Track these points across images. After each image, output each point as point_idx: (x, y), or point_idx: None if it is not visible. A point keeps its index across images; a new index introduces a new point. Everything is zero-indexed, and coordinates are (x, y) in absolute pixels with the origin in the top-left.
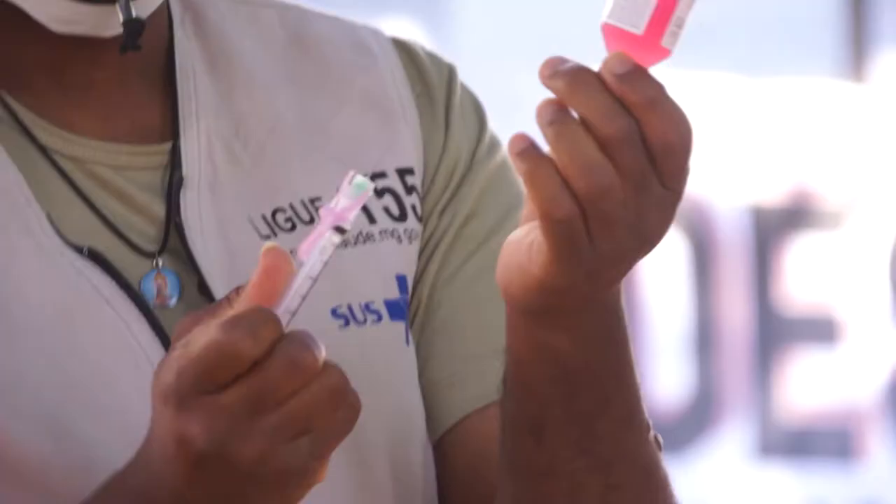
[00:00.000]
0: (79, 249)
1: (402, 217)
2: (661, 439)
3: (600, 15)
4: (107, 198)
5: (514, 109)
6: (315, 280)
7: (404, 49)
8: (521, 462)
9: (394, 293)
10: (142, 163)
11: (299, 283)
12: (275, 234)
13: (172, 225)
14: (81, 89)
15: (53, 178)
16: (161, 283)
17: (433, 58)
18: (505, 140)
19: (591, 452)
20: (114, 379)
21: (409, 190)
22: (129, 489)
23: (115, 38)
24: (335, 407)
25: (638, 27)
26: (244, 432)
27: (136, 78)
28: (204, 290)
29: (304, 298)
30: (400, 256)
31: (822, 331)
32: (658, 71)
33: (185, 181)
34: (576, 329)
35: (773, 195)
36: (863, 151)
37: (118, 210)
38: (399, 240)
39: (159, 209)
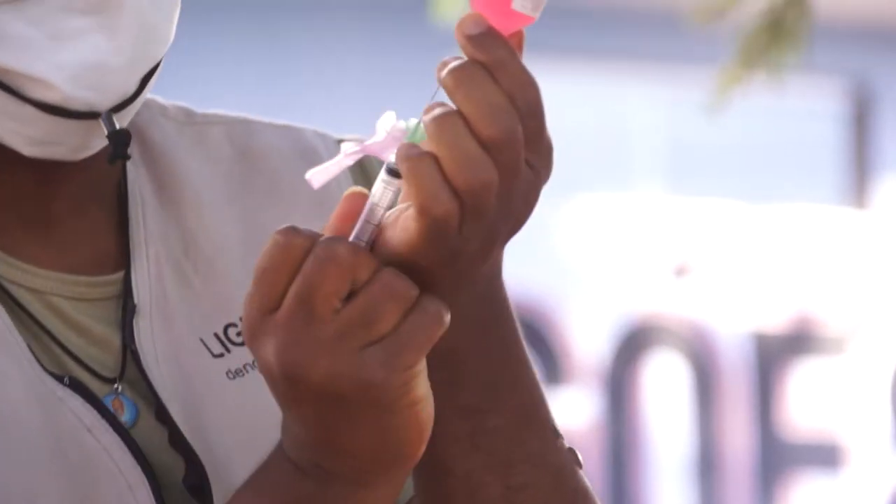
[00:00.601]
0: (59, 378)
1: None
2: (579, 455)
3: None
4: (65, 330)
5: None
6: (385, 208)
7: None
8: (420, 461)
9: None
10: (98, 293)
11: (367, 212)
12: (228, 351)
13: (128, 353)
14: (40, 223)
15: (16, 309)
16: (118, 409)
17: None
18: None
19: (485, 450)
20: None
21: None
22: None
23: (77, 165)
24: (397, 307)
25: None
26: (305, 345)
27: (91, 207)
28: (162, 414)
29: (374, 225)
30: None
31: (824, 456)
32: (660, 198)
33: (138, 309)
34: None
35: (775, 321)
36: (865, 278)
37: (77, 342)
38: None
39: (116, 338)
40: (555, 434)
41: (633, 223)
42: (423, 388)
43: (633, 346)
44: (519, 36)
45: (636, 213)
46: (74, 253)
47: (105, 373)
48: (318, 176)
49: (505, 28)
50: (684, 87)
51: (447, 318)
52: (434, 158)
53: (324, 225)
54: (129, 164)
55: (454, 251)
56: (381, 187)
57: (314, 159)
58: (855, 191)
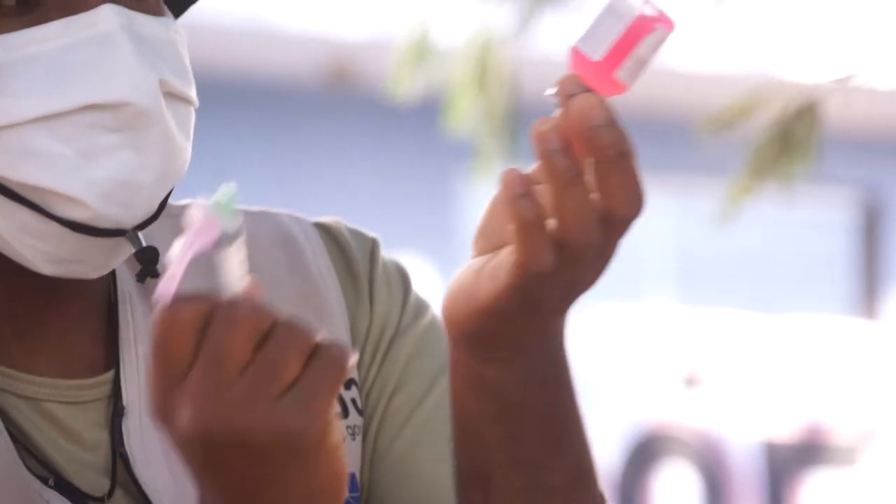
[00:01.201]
0: (44, 480)
1: (344, 413)
2: None
3: None
4: (59, 437)
5: None
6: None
7: (328, 232)
8: None
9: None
10: (90, 395)
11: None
12: None
13: (119, 456)
14: (35, 331)
15: (7, 416)
16: None
17: (355, 234)
18: None
19: None
20: None
21: (348, 384)
22: None
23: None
24: (300, 354)
25: (597, 53)
26: (220, 405)
27: (83, 310)
28: None
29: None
30: (346, 455)
31: None
32: (671, 308)
33: (126, 410)
34: (512, 362)
35: (786, 431)
36: (875, 388)
37: (70, 449)
38: (343, 438)
39: (106, 442)
40: (602, 499)
41: (643, 332)
42: (337, 435)
43: (644, 455)
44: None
45: (646, 323)
46: (67, 357)
47: (97, 478)
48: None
49: (601, 93)
50: (694, 198)
51: (350, 360)
52: (543, 215)
53: (311, 316)
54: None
55: (536, 305)
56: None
57: (292, 246)
58: (865, 301)
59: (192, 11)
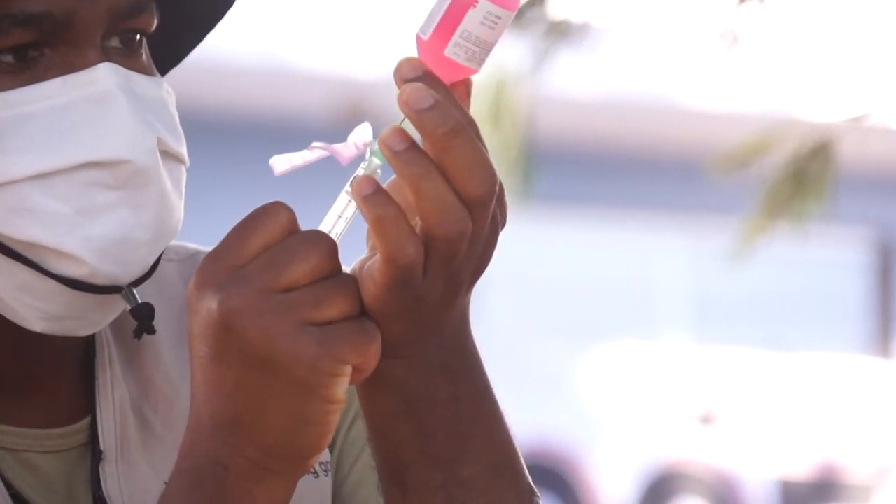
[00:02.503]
0: None
1: None
2: None
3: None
4: (39, 486)
5: (531, 377)
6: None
7: None
8: None
9: None
10: (69, 443)
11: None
12: None
13: (98, 501)
14: (21, 387)
15: None
16: None
17: None
18: None
19: (458, 501)
20: None
21: None
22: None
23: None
24: (346, 306)
25: (426, 34)
26: (254, 303)
27: (64, 360)
28: None
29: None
30: (317, 491)
31: None
32: (685, 346)
33: (104, 455)
34: (411, 358)
35: (800, 469)
36: (890, 425)
37: (51, 497)
38: (315, 474)
39: (85, 488)
40: (531, 492)
41: (658, 370)
42: (342, 394)
43: (660, 493)
44: (466, 85)
45: (661, 361)
46: (48, 407)
47: None
48: (280, 163)
49: (448, 79)
50: (709, 237)
51: (378, 347)
52: (399, 208)
53: None
54: None
55: (419, 299)
56: (345, 200)
57: None
58: (879, 340)
59: (207, 51)
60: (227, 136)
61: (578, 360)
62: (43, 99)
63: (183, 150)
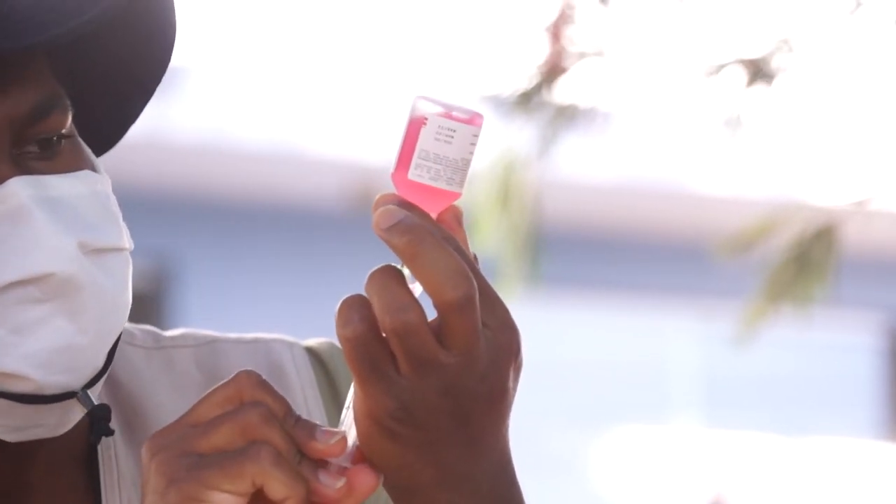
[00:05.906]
0: None
1: None
2: None
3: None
4: None
5: (542, 461)
6: None
7: (318, 358)
8: None
9: None
10: None
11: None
12: None
13: None
14: (17, 494)
15: None
16: None
17: (342, 359)
18: None
19: None
20: None
21: None
22: None
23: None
24: (232, 437)
25: (393, 166)
26: (173, 455)
27: (65, 463)
28: None
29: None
30: None
31: None
32: (696, 430)
33: None
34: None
35: None
36: None
37: None
38: None
39: None
40: None
41: (669, 455)
42: None
43: None
44: (454, 212)
45: (672, 445)
46: None
47: None
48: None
49: (433, 209)
50: (718, 320)
51: (282, 473)
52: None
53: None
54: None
55: (418, 427)
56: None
57: (279, 375)
58: (891, 424)
59: (218, 138)
60: (238, 221)
61: (590, 444)
62: None
63: (119, 241)
